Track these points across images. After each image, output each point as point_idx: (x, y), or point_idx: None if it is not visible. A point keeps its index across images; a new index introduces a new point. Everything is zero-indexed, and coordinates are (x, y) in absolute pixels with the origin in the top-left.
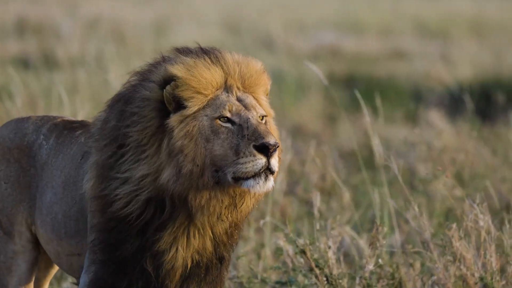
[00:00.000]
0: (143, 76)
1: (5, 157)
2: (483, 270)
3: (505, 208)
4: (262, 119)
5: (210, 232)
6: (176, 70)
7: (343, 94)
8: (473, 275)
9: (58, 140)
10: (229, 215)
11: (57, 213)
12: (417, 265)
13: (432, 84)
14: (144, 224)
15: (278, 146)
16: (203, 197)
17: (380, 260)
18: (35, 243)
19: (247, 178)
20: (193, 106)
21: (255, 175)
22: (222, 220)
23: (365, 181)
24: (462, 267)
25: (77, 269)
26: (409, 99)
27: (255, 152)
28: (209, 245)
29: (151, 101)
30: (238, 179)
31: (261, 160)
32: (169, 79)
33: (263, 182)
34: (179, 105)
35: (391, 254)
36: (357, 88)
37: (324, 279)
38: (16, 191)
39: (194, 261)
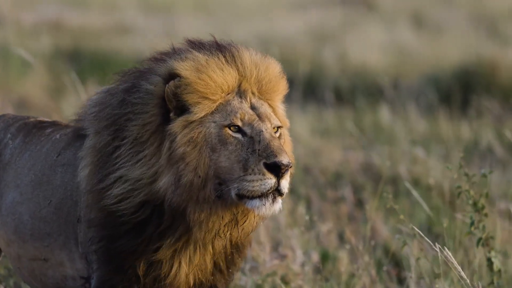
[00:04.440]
0: (150, 66)
1: None
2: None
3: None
4: (276, 131)
5: (211, 248)
6: (183, 69)
7: (69, 68)
8: None
9: (25, 139)
10: (228, 232)
11: (22, 213)
12: None
13: None
14: (139, 222)
15: (291, 167)
16: (203, 212)
17: None
18: None
19: (253, 198)
20: (199, 112)
21: (262, 195)
22: (219, 237)
23: None
24: None
25: (39, 277)
26: None
27: (265, 170)
28: (210, 262)
29: (155, 96)
30: (243, 197)
31: (271, 180)
32: (174, 75)
33: (270, 204)
34: (183, 108)
35: None
36: (83, 62)
37: None
38: None
39: (197, 279)
